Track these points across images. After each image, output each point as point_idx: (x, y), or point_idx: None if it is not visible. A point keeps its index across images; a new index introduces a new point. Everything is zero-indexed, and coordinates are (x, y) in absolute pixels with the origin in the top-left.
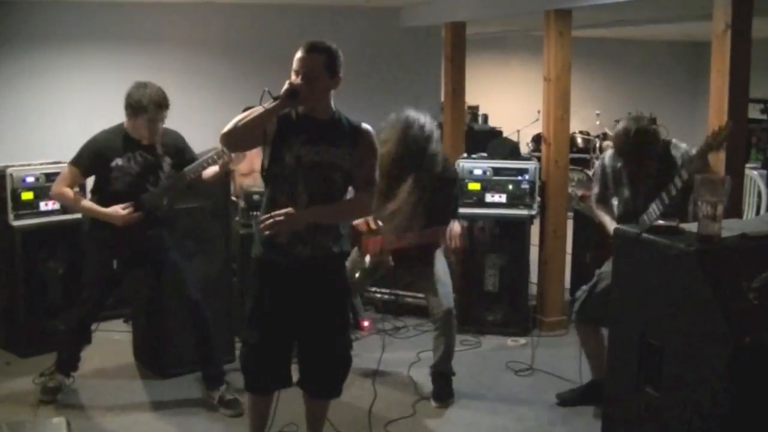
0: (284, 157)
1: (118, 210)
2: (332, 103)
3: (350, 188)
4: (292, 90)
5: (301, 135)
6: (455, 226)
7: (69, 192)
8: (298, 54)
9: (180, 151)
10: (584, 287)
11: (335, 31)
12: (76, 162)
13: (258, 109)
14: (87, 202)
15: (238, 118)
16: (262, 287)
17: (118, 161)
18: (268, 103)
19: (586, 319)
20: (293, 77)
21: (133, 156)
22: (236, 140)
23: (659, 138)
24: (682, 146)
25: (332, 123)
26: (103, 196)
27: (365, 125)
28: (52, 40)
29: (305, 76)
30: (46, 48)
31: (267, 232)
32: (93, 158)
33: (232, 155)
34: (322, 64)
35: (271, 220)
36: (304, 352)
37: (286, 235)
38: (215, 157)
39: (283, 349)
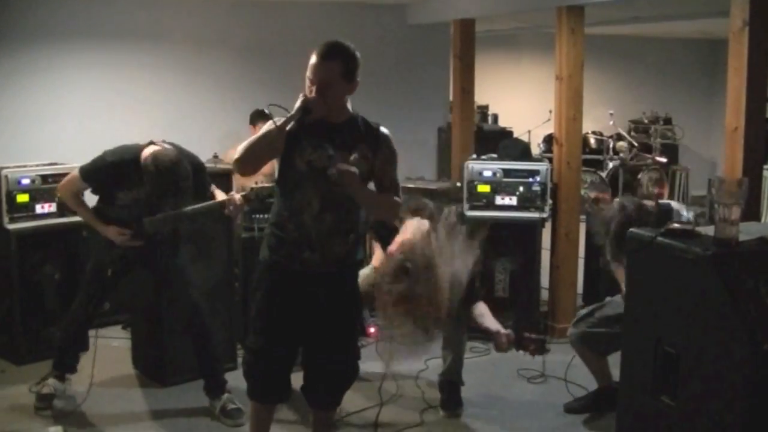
0: (295, 163)
1: (115, 232)
2: (349, 105)
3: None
4: (306, 107)
5: (313, 140)
6: (503, 337)
7: (74, 197)
8: (313, 59)
9: (196, 175)
10: (589, 307)
11: (339, 27)
12: (85, 177)
13: (269, 129)
14: (89, 213)
15: (249, 142)
16: (267, 292)
17: (128, 192)
18: (280, 122)
19: (581, 340)
20: (308, 85)
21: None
22: (252, 166)
23: (650, 214)
24: (684, 215)
25: (347, 126)
26: (105, 210)
27: (383, 129)
28: (48, 37)
29: (320, 87)
30: (43, 45)
31: (333, 173)
32: (102, 182)
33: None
34: (339, 71)
35: (338, 168)
36: (309, 362)
37: (295, 238)
38: (219, 206)
39: (287, 356)
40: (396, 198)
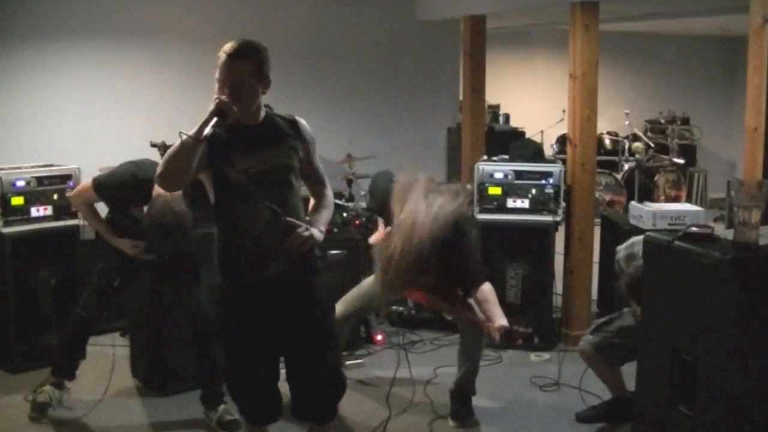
0: (229, 177)
1: (129, 245)
2: (261, 104)
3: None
4: (221, 110)
5: (238, 147)
6: (496, 332)
7: (87, 207)
8: (222, 58)
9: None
10: (604, 318)
11: (346, 24)
12: (98, 190)
13: (185, 140)
14: (101, 224)
15: (167, 155)
16: (231, 313)
17: (141, 210)
18: (194, 131)
19: (596, 348)
20: (217, 87)
21: None
22: (176, 180)
23: None
24: None
25: (266, 125)
26: (118, 221)
27: (300, 118)
28: (45, 35)
29: (233, 88)
30: (39, 43)
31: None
32: (114, 197)
33: None
34: (250, 70)
35: (299, 243)
36: (291, 375)
37: (257, 255)
38: None
39: (265, 375)
40: (329, 194)
